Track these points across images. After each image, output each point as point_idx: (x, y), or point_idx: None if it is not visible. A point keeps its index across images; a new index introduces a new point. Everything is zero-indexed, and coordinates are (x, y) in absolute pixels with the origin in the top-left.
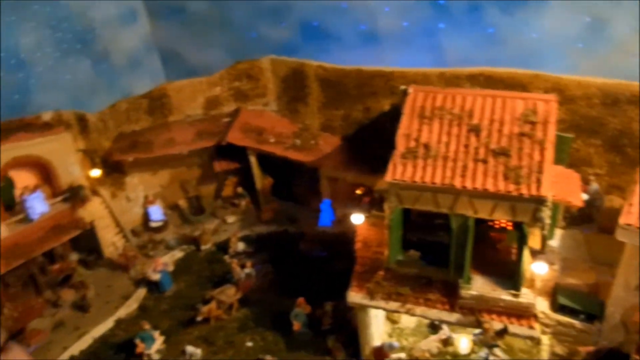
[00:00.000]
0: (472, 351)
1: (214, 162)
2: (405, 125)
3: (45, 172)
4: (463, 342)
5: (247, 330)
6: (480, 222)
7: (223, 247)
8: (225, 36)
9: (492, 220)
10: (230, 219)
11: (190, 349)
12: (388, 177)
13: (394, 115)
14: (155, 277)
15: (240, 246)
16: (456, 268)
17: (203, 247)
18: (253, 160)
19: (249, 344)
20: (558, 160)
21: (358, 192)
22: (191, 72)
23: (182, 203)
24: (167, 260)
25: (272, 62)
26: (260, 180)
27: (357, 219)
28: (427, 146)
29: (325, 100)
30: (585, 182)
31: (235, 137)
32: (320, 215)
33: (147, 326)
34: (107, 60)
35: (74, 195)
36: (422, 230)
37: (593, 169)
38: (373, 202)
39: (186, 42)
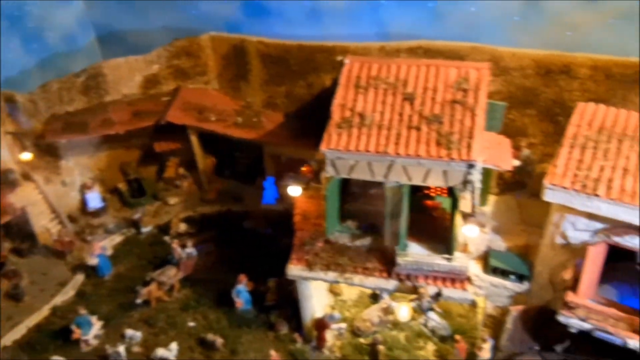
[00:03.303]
0: (412, 318)
1: (154, 142)
2: (341, 96)
3: None
4: (403, 310)
5: (189, 310)
6: (417, 192)
7: (165, 229)
8: (166, 14)
9: (429, 189)
10: (172, 200)
11: (130, 332)
12: (323, 146)
13: (335, 89)
14: (93, 261)
15: (182, 227)
16: (392, 236)
17: (144, 230)
18: (194, 139)
19: (191, 323)
20: (491, 127)
21: (303, 168)
22: (132, 51)
23: (122, 186)
24: (106, 244)
25: (212, 39)
26: (203, 160)
27: (294, 191)
28: (362, 115)
29: (267, 77)
30: (517, 148)
31: (174, 115)
32: (264, 193)
33: (83, 311)
34: (40, 39)
35: (3, 180)
36: (360, 200)
37: (528, 138)
38: (316, 176)
39: (125, 20)
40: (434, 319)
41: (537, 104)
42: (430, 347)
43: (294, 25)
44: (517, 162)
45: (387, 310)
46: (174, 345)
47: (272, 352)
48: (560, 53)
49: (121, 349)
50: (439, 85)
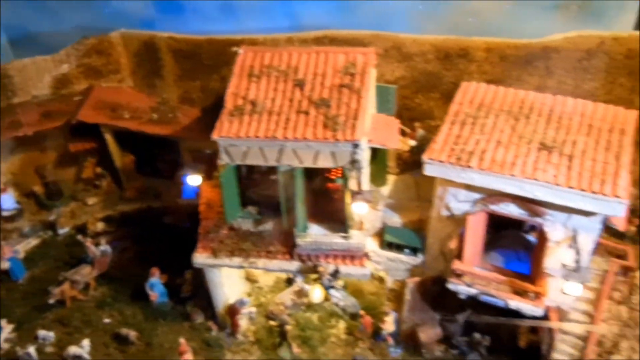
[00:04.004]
0: (326, 299)
1: (69, 143)
2: (235, 85)
3: None
4: (316, 292)
5: (105, 307)
6: (317, 176)
7: (83, 229)
8: (79, 13)
9: (330, 172)
10: (91, 200)
11: (42, 333)
12: (215, 134)
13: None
14: (5, 265)
15: (100, 226)
16: (289, 218)
17: (61, 231)
18: (109, 137)
19: (107, 320)
20: (384, 110)
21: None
22: (47, 52)
23: (38, 189)
24: (20, 247)
25: (122, 37)
26: (120, 159)
27: (194, 180)
28: (254, 103)
29: (181, 72)
30: (413, 129)
31: (86, 114)
32: (183, 188)
33: None
34: None
35: None
36: (261, 185)
37: (435, 120)
38: None
39: (38, 22)
40: (336, 296)
41: (440, 87)
42: (342, 325)
43: (209, 21)
44: (413, 142)
45: (301, 293)
46: (86, 342)
47: (182, 341)
48: (457, 37)
49: (31, 349)
50: (327, 71)
